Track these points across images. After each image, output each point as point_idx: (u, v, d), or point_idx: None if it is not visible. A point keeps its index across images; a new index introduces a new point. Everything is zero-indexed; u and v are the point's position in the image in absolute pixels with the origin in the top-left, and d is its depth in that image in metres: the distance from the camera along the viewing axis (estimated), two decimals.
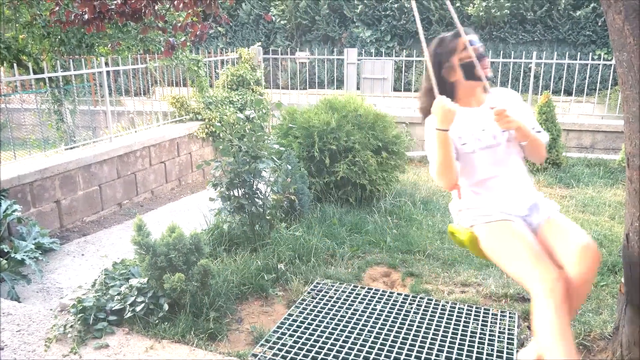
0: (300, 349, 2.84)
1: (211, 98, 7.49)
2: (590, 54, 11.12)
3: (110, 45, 6.54)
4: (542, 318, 1.93)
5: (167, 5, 4.61)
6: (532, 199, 2.26)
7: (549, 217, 2.20)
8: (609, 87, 8.94)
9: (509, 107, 2.16)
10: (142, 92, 9.27)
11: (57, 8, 4.34)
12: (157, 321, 2.96)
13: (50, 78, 6.28)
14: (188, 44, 5.55)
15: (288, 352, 2.80)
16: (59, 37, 6.29)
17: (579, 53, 9.43)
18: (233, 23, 14.38)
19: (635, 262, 2.52)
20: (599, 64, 8.71)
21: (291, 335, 2.96)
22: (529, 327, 3.10)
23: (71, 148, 5.66)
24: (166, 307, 2.99)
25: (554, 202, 2.30)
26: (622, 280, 2.68)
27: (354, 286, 3.59)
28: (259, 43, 10.42)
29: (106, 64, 6.18)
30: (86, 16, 3.71)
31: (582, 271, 2.00)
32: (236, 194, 4.02)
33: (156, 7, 4.36)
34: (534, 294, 1.97)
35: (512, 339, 2.94)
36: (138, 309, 2.99)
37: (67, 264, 4.25)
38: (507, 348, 2.86)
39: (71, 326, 2.91)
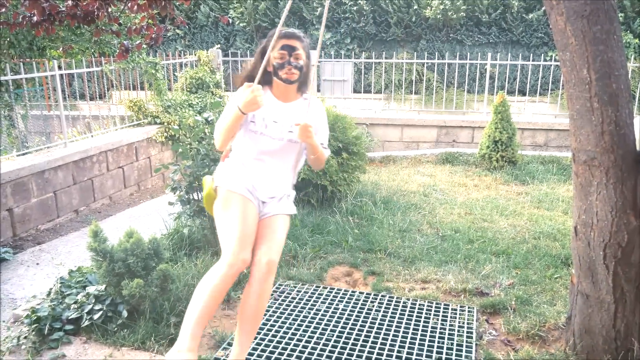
0: (264, 350, 2.83)
1: (170, 101, 7.38)
2: (543, 55, 11.48)
3: (62, 48, 6.37)
4: (207, 275, 2.19)
5: (121, 7, 4.53)
6: (277, 193, 2.49)
7: (276, 214, 2.44)
8: (561, 87, 9.26)
9: (313, 121, 2.42)
10: (99, 96, 9.03)
11: (4, 10, 4.20)
12: (116, 329, 2.89)
13: None
14: (144, 46, 5.46)
15: (251, 354, 2.79)
16: (8, 39, 6.09)
17: (532, 54, 9.74)
18: (192, 25, 14.20)
19: (583, 254, 2.63)
20: (551, 65, 9.01)
21: (254, 338, 2.95)
22: (487, 321, 3.19)
23: (23, 154, 5.48)
24: (125, 313, 2.93)
25: (293, 208, 2.56)
26: (573, 271, 2.79)
27: (317, 286, 3.60)
28: (218, 45, 10.34)
29: (59, 67, 6.01)
30: (35, 18, 3.60)
31: (253, 279, 2.24)
32: (196, 197, 3.97)
33: (110, 9, 4.28)
34: (220, 260, 2.21)
35: (471, 333, 3.01)
36: (96, 316, 2.92)
37: (21, 274, 4.11)
38: (467, 341, 2.93)
39: (25, 337, 2.82)
